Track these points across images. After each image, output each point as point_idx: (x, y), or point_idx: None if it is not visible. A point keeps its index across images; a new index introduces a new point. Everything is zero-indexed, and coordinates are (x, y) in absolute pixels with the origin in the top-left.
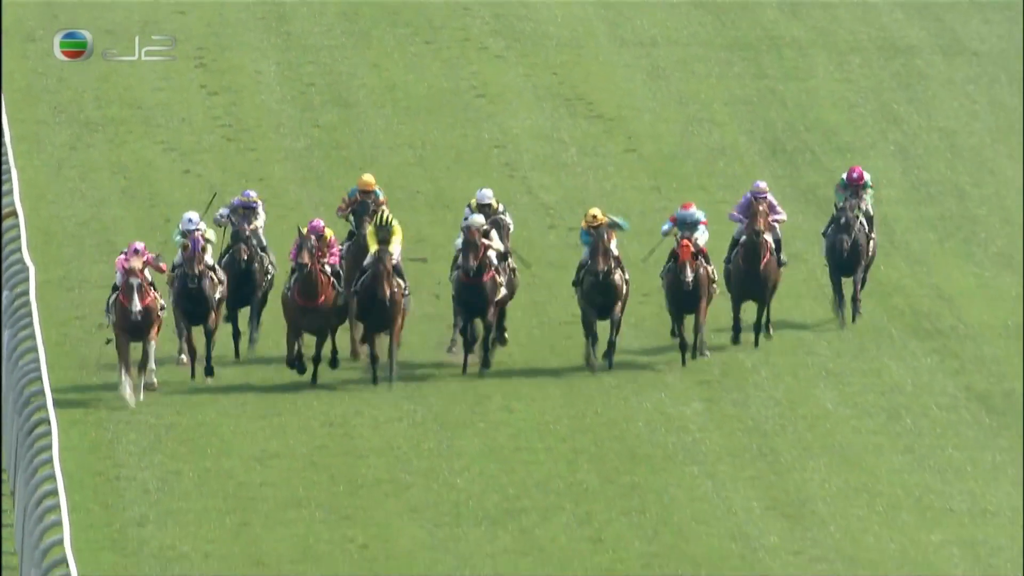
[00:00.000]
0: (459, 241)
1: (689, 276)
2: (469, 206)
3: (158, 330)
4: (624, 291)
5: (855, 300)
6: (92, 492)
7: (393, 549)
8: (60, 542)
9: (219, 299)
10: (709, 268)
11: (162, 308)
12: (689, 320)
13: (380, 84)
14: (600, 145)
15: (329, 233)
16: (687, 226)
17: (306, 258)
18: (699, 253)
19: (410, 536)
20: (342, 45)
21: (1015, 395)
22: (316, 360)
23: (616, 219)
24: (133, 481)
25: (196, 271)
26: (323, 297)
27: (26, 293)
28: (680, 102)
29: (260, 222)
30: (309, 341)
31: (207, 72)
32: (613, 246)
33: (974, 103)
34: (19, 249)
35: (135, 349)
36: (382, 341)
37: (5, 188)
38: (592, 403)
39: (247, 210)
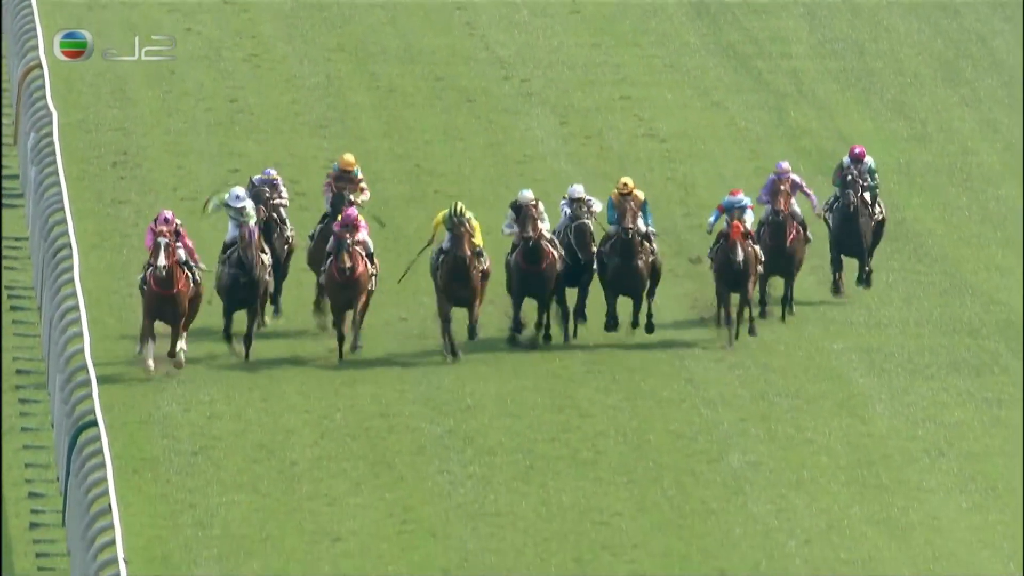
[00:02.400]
0: (506, 225)
1: (740, 256)
2: (565, 198)
3: (187, 320)
4: (654, 271)
5: (867, 275)
6: (108, 308)
7: (370, 361)
8: (81, 351)
9: (268, 279)
10: (756, 248)
11: (196, 282)
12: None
13: None
14: (548, 6)
15: (361, 219)
16: (736, 210)
17: (347, 261)
18: (748, 234)
19: (383, 349)
20: None
21: (905, 224)
22: (355, 324)
23: (646, 207)
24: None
25: (252, 256)
26: (360, 270)
27: (50, 135)
28: None
29: (283, 200)
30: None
31: None
32: (640, 223)
33: None
34: (44, 96)
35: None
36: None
37: (31, 43)
38: None
39: (270, 188)
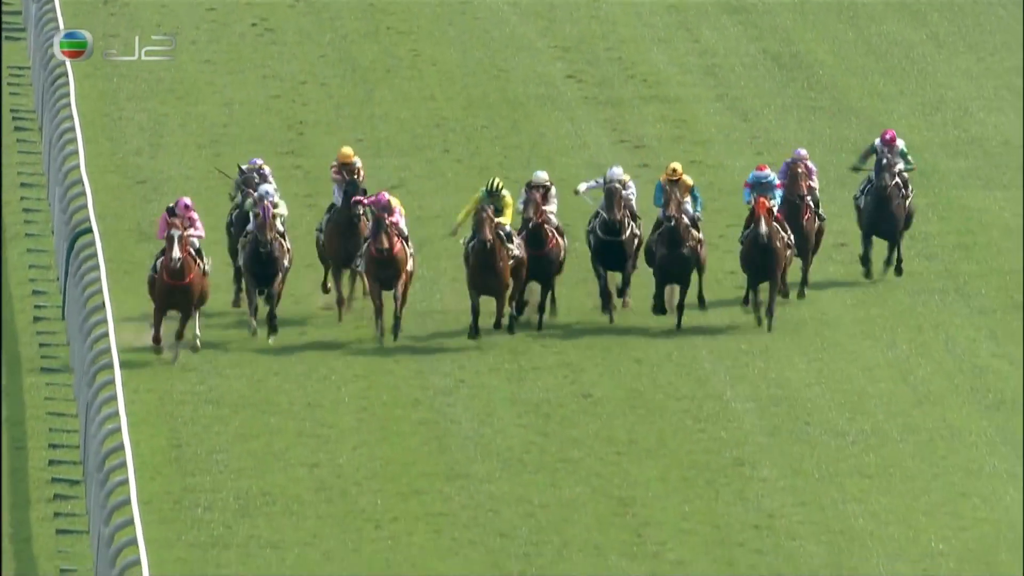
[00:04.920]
0: (520, 202)
1: (764, 229)
2: (603, 177)
3: (196, 305)
4: (700, 258)
5: (898, 261)
6: (101, 130)
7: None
8: (76, 167)
9: (287, 265)
10: (785, 235)
11: (205, 272)
12: (763, 287)
13: None
14: None
15: (395, 202)
16: (762, 187)
17: (383, 242)
18: (772, 211)
19: None
20: None
21: (800, 56)
22: (396, 312)
23: (696, 191)
24: (131, 121)
25: (268, 238)
26: (396, 248)
27: None
28: None
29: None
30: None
31: None
32: (688, 205)
33: None
34: None
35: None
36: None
37: None
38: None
39: (258, 175)
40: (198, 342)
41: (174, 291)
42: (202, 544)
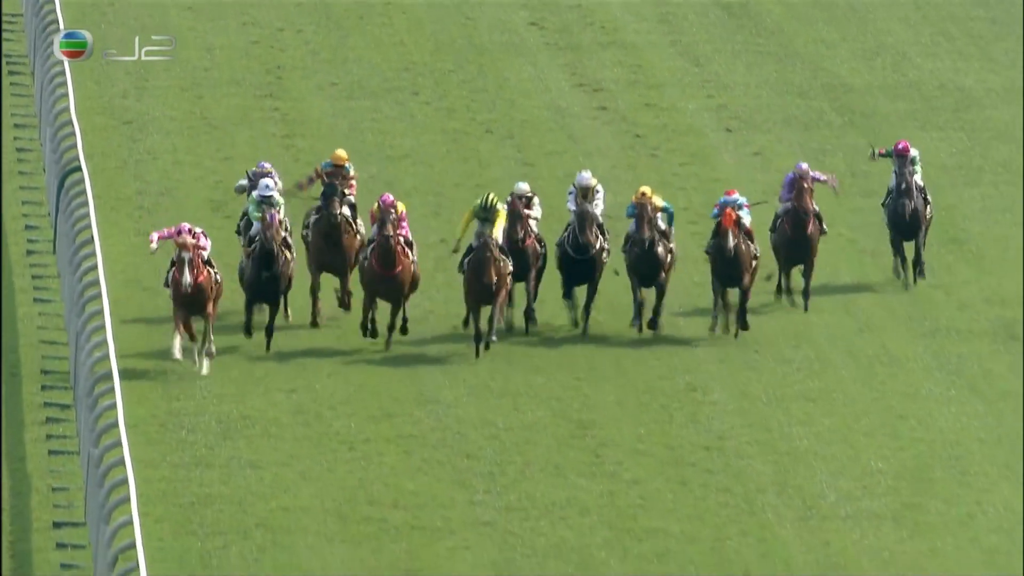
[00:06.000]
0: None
1: (731, 242)
2: (574, 185)
3: (215, 304)
4: (668, 261)
5: (918, 263)
6: (89, 73)
7: (307, 117)
8: (66, 109)
9: (289, 281)
10: (752, 245)
11: (218, 282)
12: (732, 295)
13: None
14: None
15: (401, 207)
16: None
17: (389, 230)
18: (739, 222)
19: (319, 109)
20: None
21: (749, 4)
22: (391, 328)
23: (663, 203)
24: (118, 65)
25: (271, 235)
26: (400, 266)
27: None
28: None
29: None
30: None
31: None
32: (659, 220)
33: None
34: None
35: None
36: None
37: None
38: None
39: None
40: (212, 347)
41: (188, 297)
42: (186, 464)
